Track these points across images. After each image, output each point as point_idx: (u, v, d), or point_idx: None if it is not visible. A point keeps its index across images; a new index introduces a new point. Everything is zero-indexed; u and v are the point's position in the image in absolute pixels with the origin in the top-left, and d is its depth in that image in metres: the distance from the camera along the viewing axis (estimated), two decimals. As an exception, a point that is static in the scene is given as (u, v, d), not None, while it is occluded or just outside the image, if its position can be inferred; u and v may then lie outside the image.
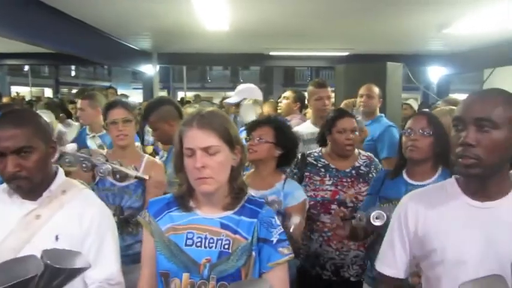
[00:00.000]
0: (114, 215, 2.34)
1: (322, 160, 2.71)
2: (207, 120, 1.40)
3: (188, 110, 3.02)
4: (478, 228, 1.25)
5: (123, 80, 17.61)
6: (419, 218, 1.34)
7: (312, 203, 2.58)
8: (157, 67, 10.28)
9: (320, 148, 2.81)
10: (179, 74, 19.97)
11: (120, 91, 10.14)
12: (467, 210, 1.28)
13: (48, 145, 1.54)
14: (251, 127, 2.36)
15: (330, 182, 2.62)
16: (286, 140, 2.33)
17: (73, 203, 1.55)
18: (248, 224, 1.43)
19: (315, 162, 2.71)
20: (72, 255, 1.33)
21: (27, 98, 12.72)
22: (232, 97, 3.44)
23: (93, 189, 2.44)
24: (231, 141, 1.42)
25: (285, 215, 2.13)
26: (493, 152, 1.21)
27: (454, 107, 2.48)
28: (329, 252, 2.61)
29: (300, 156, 2.75)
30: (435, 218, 1.31)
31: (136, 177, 2.28)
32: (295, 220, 2.02)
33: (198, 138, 1.38)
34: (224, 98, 5.13)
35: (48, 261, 1.24)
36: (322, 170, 2.68)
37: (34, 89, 20.88)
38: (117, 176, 2.26)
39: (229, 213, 1.45)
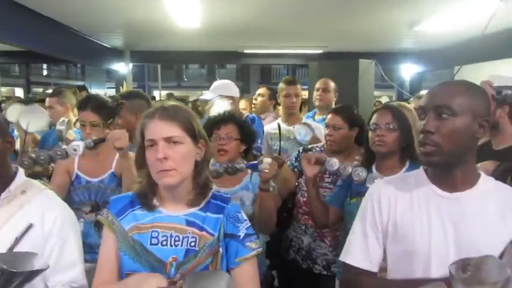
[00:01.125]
0: (91, 211, 2.34)
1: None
2: (170, 112, 1.38)
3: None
4: (446, 217, 1.26)
5: (97, 79, 17.28)
6: (391, 205, 1.33)
7: None
8: (130, 65, 10.18)
9: (322, 143, 2.80)
10: (154, 73, 19.74)
11: (94, 90, 10.01)
12: (436, 199, 1.28)
13: (4, 140, 1.49)
14: (213, 125, 2.32)
15: (329, 180, 2.60)
16: (249, 135, 2.35)
17: (33, 204, 1.50)
18: (214, 220, 1.41)
19: None
20: (29, 257, 1.28)
21: None
22: (207, 94, 3.40)
23: (69, 189, 2.42)
24: (194, 134, 1.40)
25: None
26: (453, 139, 1.22)
27: (402, 102, 2.54)
28: (322, 248, 2.63)
29: (301, 150, 2.75)
30: (406, 206, 1.31)
31: (94, 140, 2.23)
32: (267, 160, 2.04)
33: (160, 128, 1.35)
34: (196, 99, 5.07)
35: (4, 266, 1.19)
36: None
37: (4, 89, 20.15)
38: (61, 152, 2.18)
39: (194, 209, 1.42)
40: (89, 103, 2.43)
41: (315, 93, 3.78)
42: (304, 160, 2.19)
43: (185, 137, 1.38)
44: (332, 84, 3.76)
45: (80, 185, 2.45)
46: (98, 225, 2.22)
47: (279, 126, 3.44)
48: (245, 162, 2.18)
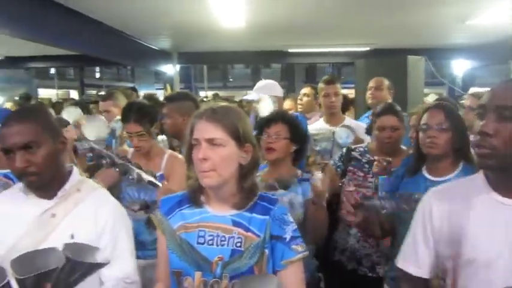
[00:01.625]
0: (140, 209, 2.39)
1: (367, 155, 2.66)
2: (217, 114, 1.39)
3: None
4: (507, 226, 1.17)
5: (146, 81, 17.74)
6: (444, 215, 1.27)
7: None
8: (178, 67, 10.38)
9: (366, 143, 2.77)
10: (201, 74, 20.02)
11: (143, 91, 10.28)
12: (496, 207, 1.19)
13: (57, 140, 1.54)
14: (263, 124, 2.33)
15: (373, 179, 2.53)
16: (300, 135, 2.31)
17: (87, 202, 1.56)
18: (260, 221, 1.41)
19: (359, 157, 2.66)
20: (92, 250, 1.33)
21: (54, 100, 13.19)
22: (251, 94, 3.41)
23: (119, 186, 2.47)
24: (238, 138, 1.40)
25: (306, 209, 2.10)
26: (511, 143, 1.13)
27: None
28: (366, 248, 2.60)
29: (344, 150, 2.72)
30: (462, 215, 1.23)
31: (149, 182, 2.29)
32: (318, 175, 1.99)
33: (204, 129, 1.37)
34: (242, 98, 5.09)
35: (70, 255, 1.24)
36: (366, 165, 2.63)
37: (60, 91, 21.41)
38: (133, 176, 2.28)
39: (240, 210, 1.43)
40: (131, 114, 2.48)
41: (368, 92, 3.74)
42: (343, 210, 2.14)
43: (228, 139, 1.38)
44: (386, 83, 3.72)
45: (129, 181, 2.48)
46: (149, 223, 2.26)
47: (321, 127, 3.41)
48: (298, 174, 2.20)
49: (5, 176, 2.32)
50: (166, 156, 2.55)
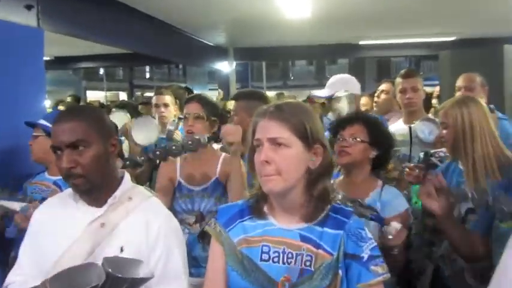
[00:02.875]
0: (195, 222, 2.41)
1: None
2: (282, 111, 1.37)
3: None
4: None
5: (199, 81, 17.85)
6: None
7: None
8: (234, 64, 10.49)
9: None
10: (258, 72, 20.09)
11: (196, 92, 10.50)
12: None
13: (107, 142, 1.57)
14: (339, 125, 2.28)
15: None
16: (381, 138, 2.23)
17: (139, 212, 1.58)
18: (333, 236, 1.35)
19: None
20: (134, 264, 1.35)
21: (102, 102, 14.09)
22: (323, 90, 3.24)
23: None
24: (306, 137, 1.36)
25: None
26: None
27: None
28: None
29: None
30: None
31: (209, 137, 2.32)
32: (395, 225, 1.89)
33: (267, 128, 1.36)
34: (309, 97, 4.94)
35: (110, 270, 1.26)
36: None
37: (109, 93, 22.52)
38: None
39: (310, 223, 1.39)
40: (196, 97, 2.62)
41: (457, 93, 3.50)
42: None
43: (294, 139, 1.35)
44: (477, 79, 3.49)
45: (182, 193, 2.53)
46: (202, 237, 2.26)
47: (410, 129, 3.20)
48: (378, 185, 2.14)
49: (55, 183, 2.43)
50: (221, 159, 2.55)
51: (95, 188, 1.54)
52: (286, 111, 1.37)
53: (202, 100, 2.56)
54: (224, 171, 2.47)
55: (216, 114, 2.57)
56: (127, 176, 1.65)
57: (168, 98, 3.84)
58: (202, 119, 2.50)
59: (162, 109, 3.80)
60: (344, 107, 2.87)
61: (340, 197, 1.69)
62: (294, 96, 15.06)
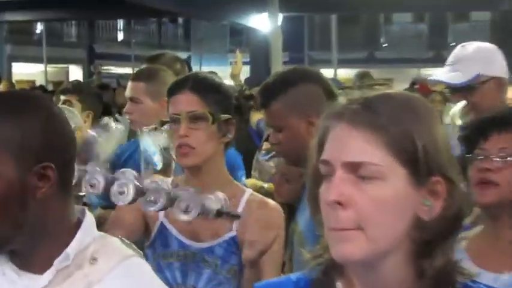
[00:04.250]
0: None
1: None
2: (373, 111, 0.96)
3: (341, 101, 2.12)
4: None
5: (212, 48, 13.67)
6: None
7: None
8: (280, 18, 7.31)
9: None
10: (323, 34, 14.47)
11: (207, 68, 7.74)
12: None
13: (28, 170, 1.12)
14: (476, 133, 1.70)
15: None
16: None
17: (110, 284, 1.19)
18: None
19: None
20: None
21: (40, 83, 9.94)
22: (449, 74, 2.36)
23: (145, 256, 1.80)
24: (416, 163, 0.94)
25: None
26: None
27: None
28: None
29: None
30: None
31: (219, 212, 1.58)
32: None
33: (344, 143, 0.98)
34: (415, 81, 3.77)
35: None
36: None
37: (51, 68, 15.84)
38: (189, 207, 1.56)
39: None
40: (189, 80, 1.91)
41: None
42: None
43: (393, 166, 0.94)
44: None
45: (167, 251, 1.84)
46: None
47: None
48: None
49: None
50: (246, 198, 1.88)
51: (25, 244, 1.15)
52: (381, 111, 0.95)
53: (201, 85, 1.84)
54: (248, 227, 1.76)
55: (228, 108, 1.87)
56: (88, 220, 1.24)
57: (136, 87, 2.68)
58: (203, 120, 1.80)
59: (128, 106, 2.72)
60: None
61: (476, 271, 1.23)
62: (388, 80, 9.19)
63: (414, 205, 0.96)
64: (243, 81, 5.60)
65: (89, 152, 2.41)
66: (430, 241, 0.98)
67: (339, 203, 0.93)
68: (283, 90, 1.87)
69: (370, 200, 0.95)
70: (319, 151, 1.00)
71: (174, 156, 1.97)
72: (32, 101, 1.16)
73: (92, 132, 2.68)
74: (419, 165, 0.94)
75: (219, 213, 1.58)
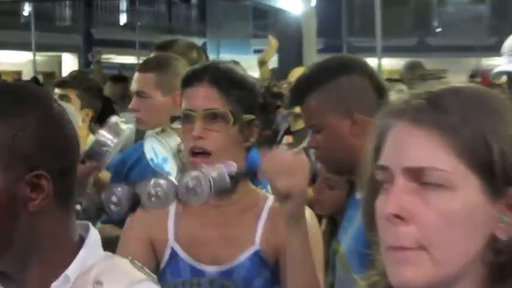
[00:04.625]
0: None
1: None
2: (440, 109, 0.82)
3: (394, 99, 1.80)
4: None
5: (232, 32, 12.27)
6: None
7: None
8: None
9: None
10: (363, 17, 13.26)
11: (226, 56, 7.49)
12: None
13: (18, 179, 1.03)
14: None
15: None
16: None
17: None
18: None
19: None
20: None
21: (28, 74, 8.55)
22: (503, 61, 2.15)
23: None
24: (491, 171, 0.81)
25: None
26: None
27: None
28: None
29: None
30: None
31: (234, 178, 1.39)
32: None
33: (405, 145, 0.85)
34: (475, 73, 3.48)
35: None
36: None
37: (41, 57, 13.52)
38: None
39: None
40: (206, 71, 1.65)
41: None
42: None
43: (464, 174, 0.82)
44: None
45: (179, 279, 1.62)
46: None
47: None
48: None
49: None
50: (268, 206, 1.65)
51: (1, 266, 1.05)
52: (450, 109, 0.82)
53: (222, 77, 1.59)
54: (272, 236, 1.59)
55: (252, 107, 1.62)
56: (92, 237, 1.16)
57: (143, 79, 2.32)
58: (223, 120, 1.56)
59: (134, 101, 2.41)
60: None
61: None
62: (442, 71, 8.11)
63: (489, 221, 0.87)
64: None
65: (99, 159, 1.96)
66: (507, 264, 0.88)
67: (399, 217, 0.84)
68: (321, 82, 1.64)
69: (436, 214, 0.86)
70: (375, 155, 0.92)
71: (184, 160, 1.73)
72: (27, 97, 1.03)
73: (103, 133, 2.04)
74: (495, 173, 0.85)
75: (235, 178, 1.39)
